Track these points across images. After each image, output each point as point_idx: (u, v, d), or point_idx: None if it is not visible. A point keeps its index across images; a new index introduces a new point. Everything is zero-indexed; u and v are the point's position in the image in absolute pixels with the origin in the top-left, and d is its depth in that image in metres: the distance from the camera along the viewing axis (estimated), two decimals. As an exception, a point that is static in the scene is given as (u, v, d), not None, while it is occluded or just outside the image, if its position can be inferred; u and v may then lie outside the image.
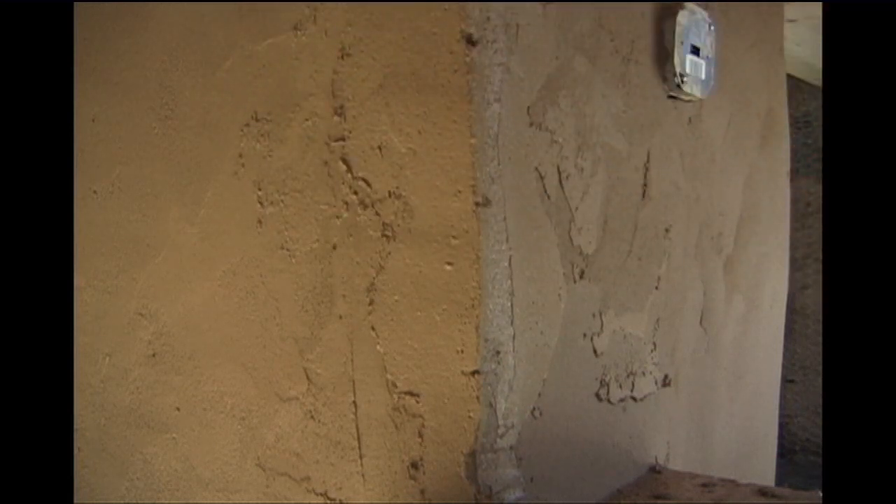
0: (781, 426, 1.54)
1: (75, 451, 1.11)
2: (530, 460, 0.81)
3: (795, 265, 1.65)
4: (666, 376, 1.06)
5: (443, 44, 0.73)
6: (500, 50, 0.75)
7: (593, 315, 0.90)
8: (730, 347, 1.26)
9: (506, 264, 0.76)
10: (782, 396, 1.54)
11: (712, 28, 1.05)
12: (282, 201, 0.87)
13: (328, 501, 0.86)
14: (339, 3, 0.81)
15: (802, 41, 3.20)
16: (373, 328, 0.81)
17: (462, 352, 0.74)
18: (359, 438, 0.82)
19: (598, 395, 0.92)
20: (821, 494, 0.74)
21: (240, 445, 0.94)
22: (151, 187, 1.01)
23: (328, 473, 0.85)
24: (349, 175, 0.81)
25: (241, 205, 0.91)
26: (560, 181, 0.83)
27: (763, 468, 1.46)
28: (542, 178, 0.81)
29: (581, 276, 0.87)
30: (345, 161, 0.82)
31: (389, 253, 0.79)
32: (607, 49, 0.90)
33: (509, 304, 0.77)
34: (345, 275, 0.82)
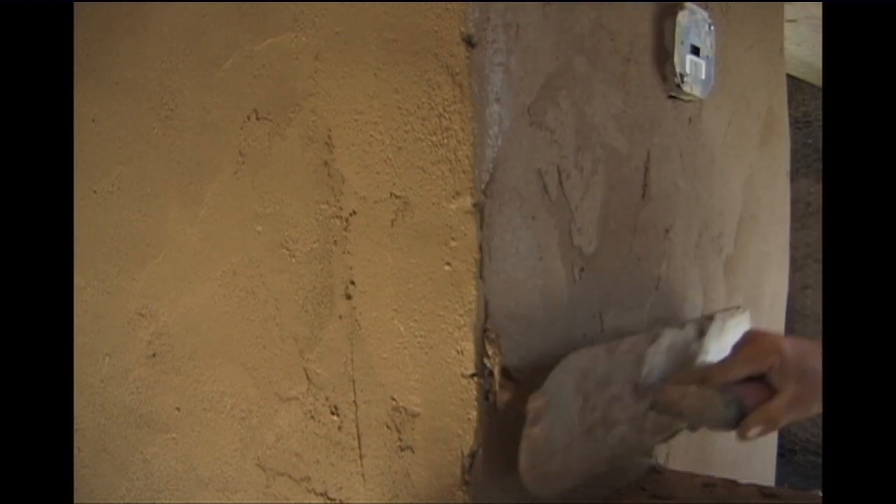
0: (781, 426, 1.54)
1: (75, 451, 1.11)
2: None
3: (795, 265, 1.65)
4: (666, 376, 1.06)
5: (443, 45, 0.73)
6: (500, 50, 0.75)
7: (593, 315, 0.90)
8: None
9: (505, 265, 0.76)
10: (782, 396, 1.53)
11: (712, 28, 1.05)
12: (282, 201, 0.87)
13: (328, 501, 0.86)
14: (340, 4, 0.81)
15: (802, 41, 3.20)
16: (373, 328, 0.81)
17: (462, 353, 0.74)
18: (359, 438, 0.82)
19: (598, 395, 0.92)
20: (821, 494, 0.74)
21: (240, 445, 0.94)
22: (151, 187, 1.01)
23: (328, 473, 0.86)
24: (349, 174, 0.81)
25: (241, 205, 0.91)
26: (560, 181, 0.83)
27: (763, 468, 1.46)
28: (542, 177, 0.81)
29: (581, 277, 0.87)
30: (345, 160, 0.82)
31: (389, 253, 0.79)
32: (607, 49, 0.90)
33: (509, 304, 0.77)
34: (345, 275, 0.82)
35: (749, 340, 0.85)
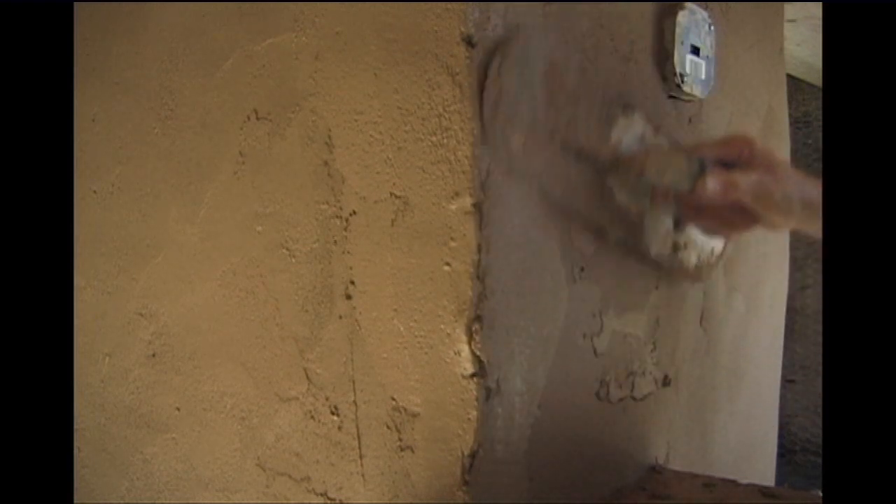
0: (781, 426, 1.54)
1: (75, 451, 1.11)
2: (530, 460, 0.81)
3: (795, 265, 1.65)
4: (666, 376, 1.06)
5: (443, 45, 0.73)
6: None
7: (593, 315, 0.90)
8: (730, 347, 1.26)
9: (505, 264, 0.76)
10: (782, 396, 1.54)
11: (712, 28, 1.05)
12: (282, 201, 0.87)
13: (328, 501, 0.86)
14: (340, 4, 0.81)
15: (802, 41, 3.20)
16: (373, 328, 0.81)
17: (460, 353, 0.74)
18: (359, 438, 0.82)
19: (597, 395, 0.92)
20: (821, 494, 0.74)
21: (240, 445, 0.94)
22: (151, 187, 1.01)
23: (328, 473, 0.86)
24: (349, 174, 0.81)
25: (241, 205, 0.91)
26: (560, 181, 0.83)
27: (763, 468, 1.46)
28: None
29: (581, 277, 0.87)
30: (345, 160, 0.82)
31: (389, 253, 0.79)
32: (607, 49, 0.90)
33: (509, 304, 0.77)
34: (345, 275, 0.82)
35: (722, 138, 0.90)
